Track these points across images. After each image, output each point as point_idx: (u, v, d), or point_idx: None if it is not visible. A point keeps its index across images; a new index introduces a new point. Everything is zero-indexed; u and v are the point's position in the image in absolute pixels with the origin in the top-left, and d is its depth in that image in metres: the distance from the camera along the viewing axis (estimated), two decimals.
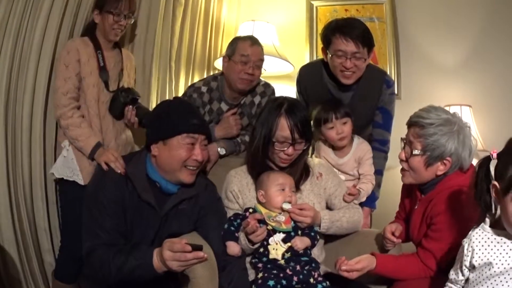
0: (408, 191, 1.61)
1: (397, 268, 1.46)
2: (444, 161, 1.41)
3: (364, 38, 1.78)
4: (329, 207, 1.69)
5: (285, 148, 1.57)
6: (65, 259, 1.85)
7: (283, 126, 1.56)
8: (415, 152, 1.43)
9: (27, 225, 1.88)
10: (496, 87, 2.80)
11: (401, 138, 1.52)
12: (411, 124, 1.47)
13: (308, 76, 2.03)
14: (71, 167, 1.81)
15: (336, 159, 1.89)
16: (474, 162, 1.46)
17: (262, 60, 2.02)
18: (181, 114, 1.50)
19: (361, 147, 1.89)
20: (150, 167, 1.52)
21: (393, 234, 1.52)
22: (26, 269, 1.87)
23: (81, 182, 1.80)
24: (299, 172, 1.65)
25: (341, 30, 1.78)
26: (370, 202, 1.90)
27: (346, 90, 1.92)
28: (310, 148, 1.85)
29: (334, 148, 1.90)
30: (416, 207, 1.52)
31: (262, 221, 1.50)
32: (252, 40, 2.00)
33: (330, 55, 1.82)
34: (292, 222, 1.51)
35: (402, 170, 1.51)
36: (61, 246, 1.89)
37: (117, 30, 1.95)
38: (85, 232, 1.46)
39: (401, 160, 1.50)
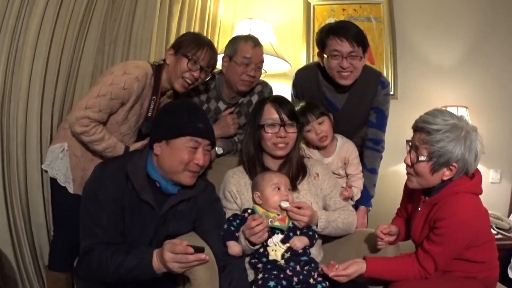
0: (411, 191, 1.60)
1: (390, 272, 1.47)
2: (451, 166, 1.39)
3: (358, 38, 1.79)
4: (323, 208, 1.70)
5: (277, 131, 1.60)
6: (58, 248, 1.83)
7: (270, 111, 1.63)
8: (421, 158, 1.40)
9: (22, 224, 1.86)
10: (493, 88, 2.83)
11: (407, 141, 1.50)
12: (417, 129, 1.44)
13: (304, 79, 2.03)
14: (65, 174, 1.77)
15: (321, 158, 1.91)
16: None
17: (263, 61, 2.02)
18: (188, 116, 1.48)
19: (346, 147, 1.91)
20: (151, 166, 1.51)
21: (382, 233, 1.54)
22: (21, 269, 1.86)
23: (71, 191, 1.76)
24: (295, 169, 1.66)
25: (335, 32, 1.79)
26: (366, 201, 1.92)
27: (341, 92, 1.93)
28: (303, 149, 1.86)
29: (319, 148, 1.92)
30: (419, 208, 1.52)
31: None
32: (254, 42, 1.98)
33: (327, 57, 1.84)
34: (291, 222, 1.52)
35: (408, 174, 1.50)
36: (54, 236, 1.87)
37: (186, 81, 1.77)
38: (82, 230, 1.44)
39: (407, 165, 1.48)
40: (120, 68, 1.72)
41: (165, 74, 1.80)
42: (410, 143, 1.48)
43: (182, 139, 1.45)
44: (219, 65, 1.98)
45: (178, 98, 1.90)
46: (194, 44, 1.77)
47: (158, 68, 1.79)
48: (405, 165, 1.49)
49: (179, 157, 1.45)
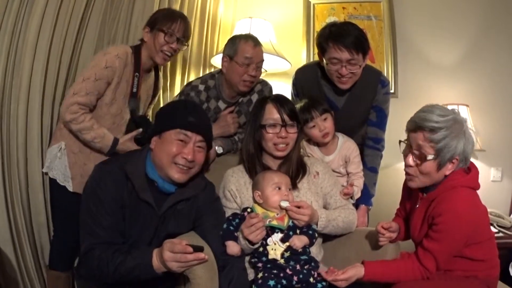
0: (410, 189, 1.60)
1: (388, 275, 1.47)
2: (453, 160, 1.41)
3: (358, 45, 1.77)
4: (324, 207, 1.70)
5: (278, 131, 1.60)
6: (58, 248, 1.85)
7: (271, 110, 1.63)
8: (429, 157, 1.40)
9: (23, 223, 1.87)
10: (493, 86, 2.82)
11: (400, 141, 1.50)
12: (417, 128, 1.42)
13: (304, 78, 2.03)
14: (64, 173, 1.79)
15: (322, 156, 1.91)
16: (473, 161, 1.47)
17: (263, 61, 2.02)
18: (180, 111, 1.49)
19: (347, 145, 1.91)
20: (149, 166, 1.51)
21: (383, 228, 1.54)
22: (22, 268, 1.86)
23: (70, 189, 1.79)
24: (295, 168, 1.66)
25: (334, 39, 1.77)
26: (366, 199, 1.92)
27: (341, 92, 1.93)
28: (304, 146, 1.86)
29: (320, 145, 1.92)
30: (417, 206, 1.52)
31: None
32: (254, 42, 1.98)
33: (326, 63, 1.83)
34: (290, 221, 1.51)
35: (409, 175, 1.48)
36: (54, 235, 1.89)
37: (165, 53, 1.88)
38: (83, 230, 1.44)
39: (409, 166, 1.46)
40: (100, 53, 1.83)
41: (145, 51, 1.89)
42: (409, 144, 1.47)
43: (171, 131, 1.46)
44: (218, 65, 1.98)
45: (158, 72, 2.03)
46: (167, 18, 1.87)
47: (136, 48, 1.89)
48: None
49: (167, 149, 1.45)
